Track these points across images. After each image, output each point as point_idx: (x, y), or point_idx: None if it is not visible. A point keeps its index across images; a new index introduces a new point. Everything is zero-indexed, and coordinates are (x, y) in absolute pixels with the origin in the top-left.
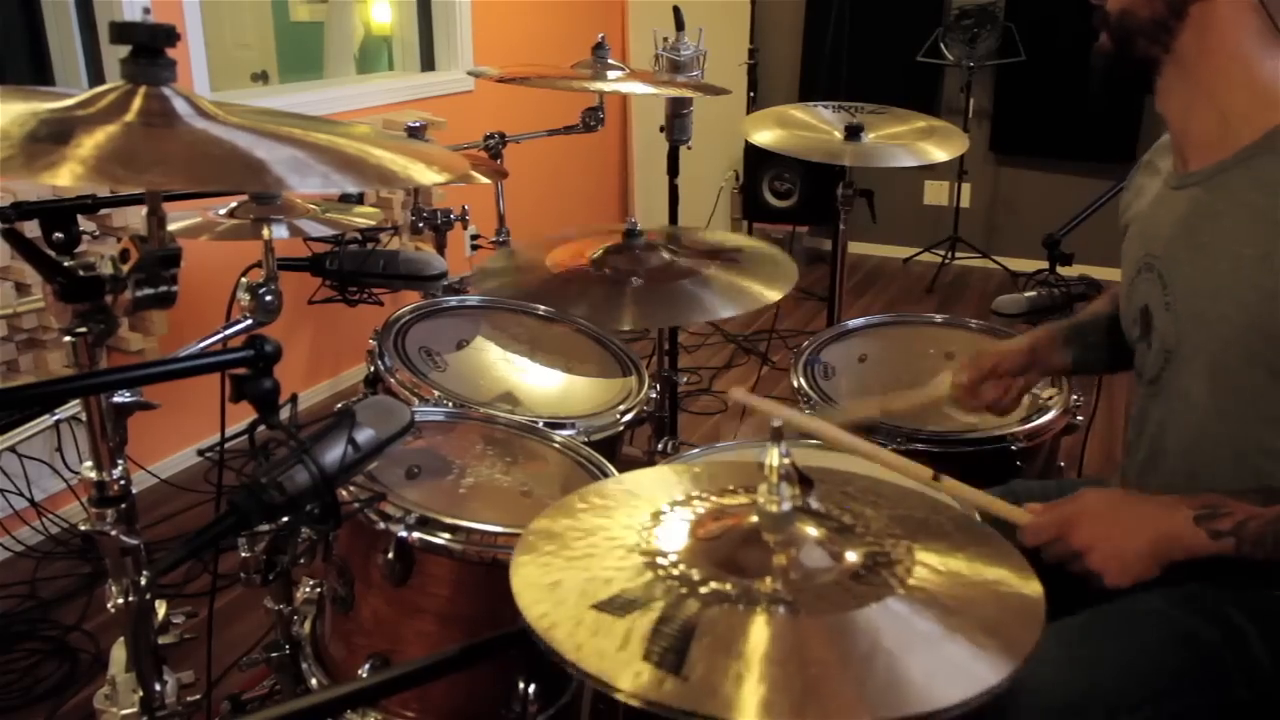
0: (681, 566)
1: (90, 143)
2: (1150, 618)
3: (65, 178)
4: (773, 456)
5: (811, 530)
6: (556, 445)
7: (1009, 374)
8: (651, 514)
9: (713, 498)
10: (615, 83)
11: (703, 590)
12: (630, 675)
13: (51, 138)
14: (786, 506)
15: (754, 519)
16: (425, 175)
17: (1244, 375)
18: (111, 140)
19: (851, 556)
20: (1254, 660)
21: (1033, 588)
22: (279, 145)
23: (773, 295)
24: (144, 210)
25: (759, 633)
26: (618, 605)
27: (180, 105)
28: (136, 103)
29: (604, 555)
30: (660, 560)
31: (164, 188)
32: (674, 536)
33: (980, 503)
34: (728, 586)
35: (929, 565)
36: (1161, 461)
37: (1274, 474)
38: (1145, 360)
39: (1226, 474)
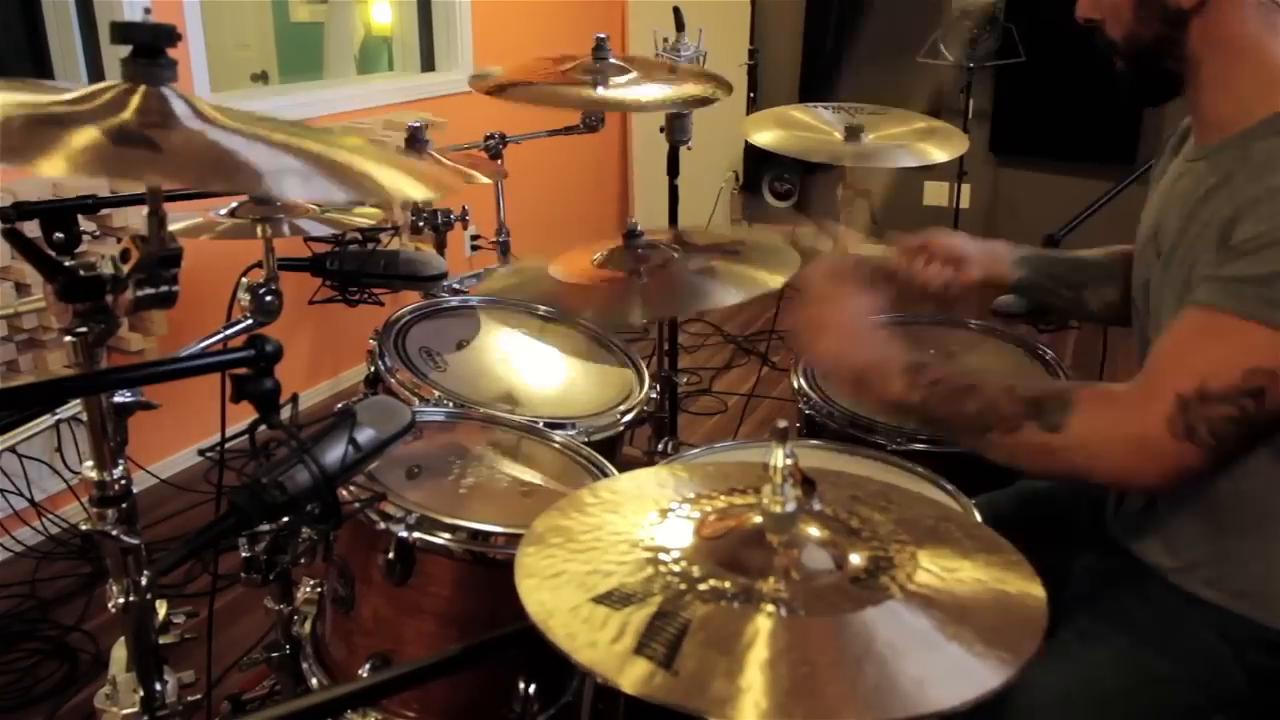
0: (683, 564)
1: (85, 140)
2: (1115, 664)
3: (59, 169)
4: (777, 458)
5: (815, 532)
6: (556, 445)
7: (945, 255)
8: (660, 511)
9: (723, 497)
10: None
11: (701, 587)
12: (620, 667)
13: (50, 127)
14: (790, 507)
15: (758, 519)
16: (416, 192)
17: None
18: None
19: (855, 559)
20: (1228, 687)
21: (1037, 594)
22: (274, 153)
23: (776, 281)
24: (144, 210)
25: (753, 631)
26: (616, 599)
27: (179, 106)
28: (135, 101)
29: (608, 549)
30: (663, 556)
31: (157, 185)
32: (679, 534)
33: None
34: (726, 585)
35: (933, 571)
36: None
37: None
38: (1142, 336)
39: None
